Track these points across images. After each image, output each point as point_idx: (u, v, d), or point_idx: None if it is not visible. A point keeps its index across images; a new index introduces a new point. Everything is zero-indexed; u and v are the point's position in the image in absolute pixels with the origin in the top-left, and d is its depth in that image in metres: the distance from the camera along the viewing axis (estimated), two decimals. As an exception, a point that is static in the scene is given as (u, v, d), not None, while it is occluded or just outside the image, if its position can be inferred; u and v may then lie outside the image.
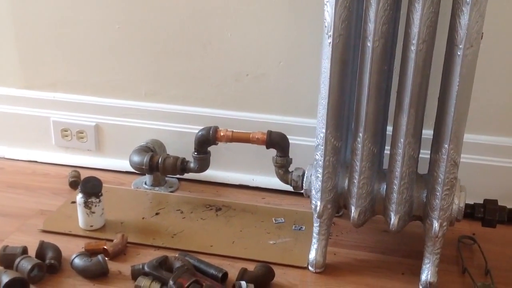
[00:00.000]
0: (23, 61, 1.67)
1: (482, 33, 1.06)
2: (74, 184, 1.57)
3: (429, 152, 1.21)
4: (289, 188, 1.42)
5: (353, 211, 1.24)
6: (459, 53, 1.06)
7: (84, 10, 1.57)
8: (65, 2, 1.57)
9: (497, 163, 1.47)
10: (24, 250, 1.26)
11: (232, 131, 1.45)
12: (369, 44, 1.10)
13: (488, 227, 1.28)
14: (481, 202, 1.29)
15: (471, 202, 1.27)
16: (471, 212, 1.27)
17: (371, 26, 1.09)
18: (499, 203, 1.28)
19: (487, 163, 1.47)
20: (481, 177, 1.47)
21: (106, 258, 1.25)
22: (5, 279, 1.14)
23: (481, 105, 1.42)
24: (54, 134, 1.71)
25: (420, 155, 1.21)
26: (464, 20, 1.03)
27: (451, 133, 1.11)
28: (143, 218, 1.46)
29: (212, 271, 1.23)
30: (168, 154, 1.57)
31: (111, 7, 1.55)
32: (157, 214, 1.48)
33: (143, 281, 1.17)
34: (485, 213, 1.27)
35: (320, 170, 1.22)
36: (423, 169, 1.24)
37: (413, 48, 1.08)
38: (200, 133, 1.47)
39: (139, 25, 1.56)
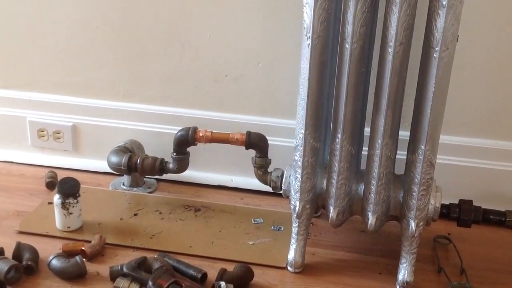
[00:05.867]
0: (-2, 60, 1.65)
1: (458, 35, 1.07)
2: (51, 184, 1.55)
3: (405, 153, 1.22)
4: (268, 188, 1.43)
5: (331, 211, 1.25)
6: (435, 55, 1.07)
7: (62, 9, 1.55)
8: (42, 1, 1.55)
9: (472, 164, 1.49)
10: (1, 251, 1.24)
11: (211, 132, 1.45)
12: (347, 46, 1.11)
13: (463, 227, 1.31)
14: (457, 202, 1.31)
15: (447, 203, 1.29)
16: (446, 212, 1.29)
17: (349, 28, 1.10)
18: (474, 204, 1.30)
19: (462, 164, 1.49)
20: (457, 177, 1.49)
21: (84, 259, 1.25)
22: (-19, 281, 1.13)
23: (457, 106, 1.44)
24: (30, 134, 1.69)
25: (397, 156, 1.23)
26: (440, 23, 1.05)
27: (428, 134, 1.13)
28: (121, 219, 1.45)
29: (191, 271, 1.22)
30: (146, 155, 1.56)
31: (90, 7, 1.54)
32: (135, 215, 1.47)
33: (121, 282, 1.17)
34: (460, 213, 1.29)
35: (299, 171, 1.23)
36: (400, 169, 1.25)
37: (390, 50, 1.09)
38: (179, 133, 1.47)
39: (117, 25, 1.55)
